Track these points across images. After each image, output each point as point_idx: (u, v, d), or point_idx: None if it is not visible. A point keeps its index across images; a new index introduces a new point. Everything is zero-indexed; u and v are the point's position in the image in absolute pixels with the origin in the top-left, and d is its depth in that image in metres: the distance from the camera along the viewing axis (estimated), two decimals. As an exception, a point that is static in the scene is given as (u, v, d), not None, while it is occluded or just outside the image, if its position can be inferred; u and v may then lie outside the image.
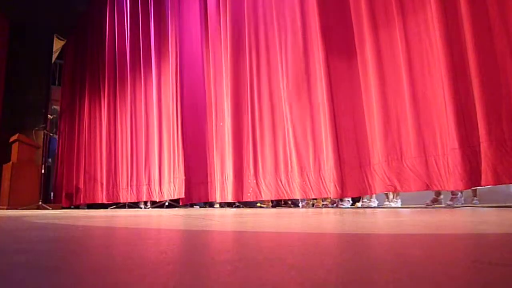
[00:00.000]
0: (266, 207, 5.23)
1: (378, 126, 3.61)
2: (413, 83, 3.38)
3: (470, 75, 2.85)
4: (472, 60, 2.83)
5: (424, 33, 3.36)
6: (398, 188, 3.45)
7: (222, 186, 5.23)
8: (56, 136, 9.29)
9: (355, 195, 4.11)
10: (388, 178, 3.49)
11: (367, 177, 3.75)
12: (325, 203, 4.65)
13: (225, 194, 5.16)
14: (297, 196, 4.32)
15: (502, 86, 2.73)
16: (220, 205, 5.72)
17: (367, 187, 3.74)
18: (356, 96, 3.91)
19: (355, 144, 3.87)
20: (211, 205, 5.80)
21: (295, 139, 4.32)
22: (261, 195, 4.60)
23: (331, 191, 3.93)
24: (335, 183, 3.87)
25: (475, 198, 3.99)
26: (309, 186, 4.14)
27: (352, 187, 3.81)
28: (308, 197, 4.38)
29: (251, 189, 4.64)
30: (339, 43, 4.07)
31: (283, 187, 4.39)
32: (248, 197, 4.70)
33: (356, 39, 3.94)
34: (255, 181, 4.64)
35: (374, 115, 3.68)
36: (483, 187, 3.14)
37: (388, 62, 3.62)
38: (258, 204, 5.44)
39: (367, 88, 3.79)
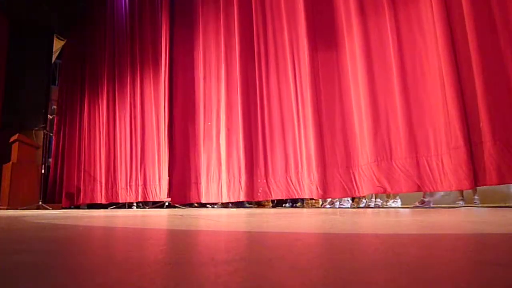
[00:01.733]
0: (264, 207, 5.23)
1: (367, 125, 3.58)
2: (404, 81, 3.34)
3: (473, 73, 2.82)
4: (474, 58, 2.79)
5: (417, 29, 3.32)
6: (388, 189, 3.42)
7: (208, 186, 5.28)
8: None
9: (340, 197, 4.08)
10: (378, 179, 3.46)
11: (354, 177, 3.73)
12: (325, 203, 4.65)
13: (213, 194, 5.20)
14: (306, 195, 4.31)
15: (506, 84, 2.70)
16: (225, 205, 5.72)
17: (355, 188, 3.71)
18: (345, 95, 3.90)
19: (343, 145, 3.85)
20: (224, 205, 5.77)
21: (305, 139, 4.28)
22: (271, 194, 4.58)
23: (313, 192, 3.94)
24: (317, 184, 3.88)
25: (475, 197, 3.99)
26: (315, 185, 4.11)
27: (338, 188, 3.80)
28: (314, 197, 4.38)
29: (261, 188, 4.63)
30: (326, 38, 4.08)
31: (294, 186, 4.35)
32: (258, 196, 4.69)
33: (345, 33, 3.92)
34: (265, 181, 4.62)
35: (362, 114, 3.65)
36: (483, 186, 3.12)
37: (377, 58, 3.58)
38: (247, 205, 5.47)
39: (356, 87, 3.77)
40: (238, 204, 5.41)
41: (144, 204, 6.85)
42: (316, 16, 4.21)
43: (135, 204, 6.81)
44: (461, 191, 3.94)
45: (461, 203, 3.96)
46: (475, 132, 2.83)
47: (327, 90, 4.02)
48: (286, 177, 4.40)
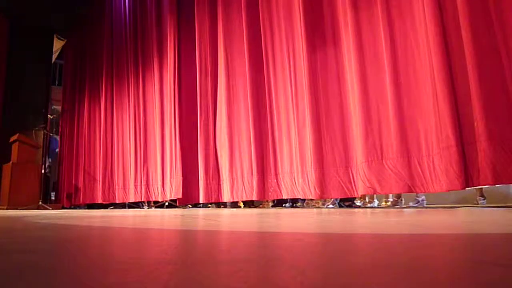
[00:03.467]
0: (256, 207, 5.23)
1: (360, 124, 3.58)
2: (396, 80, 3.33)
3: (467, 71, 2.79)
4: (468, 55, 2.76)
5: (409, 29, 3.32)
6: (378, 190, 3.41)
7: (217, 185, 5.28)
8: (56, 136, 9.30)
9: (338, 197, 4.09)
10: (368, 180, 3.45)
11: (353, 177, 3.72)
12: (328, 203, 4.65)
13: (221, 193, 5.19)
14: (312, 195, 4.30)
15: (502, 82, 2.66)
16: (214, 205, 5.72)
17: (353, 188, 3.71)
18: (343, 94, 3.91)
19: (342, 144, 3.86)
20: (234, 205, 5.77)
21: (313, 140, 4.28)
22: (281, 193, 4.58)
23: (312, 192, 3.94)
24: (314, 184, 3.88)
25: (481, 197, 3.96)
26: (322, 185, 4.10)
27: (336, 188, 3.80)
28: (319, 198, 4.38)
29: (272, 188, 4.64)
30: (322, 40, 4.10)
31: (302, 185, 4.35)
32: (270, 196, 4.70)
33: (342, 34, 3.94)
34: (275, 180, 4.63)
35: (356, 113, 3.65)
36: (486, 186, 3.10)
37: (370, 58, 3.59)
38: (240, 205, 5.47)
39: (352, 86, 3.77)
40: (233, 205, 5.44)
41: (149, 203, 6.86)
42: (314, 17, 4.21)
43: (146, 204, 6.79)
44: (480, 190, 3.90)
45: (482, 202, 3.93)
46: (468, 131, 2.80)
47: (325, 90, 4.03)
48: (293, 177, 4.41)
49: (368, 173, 3.43)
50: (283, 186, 4.52)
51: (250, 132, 4.94)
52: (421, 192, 3.41)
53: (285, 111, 4.62)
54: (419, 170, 3.12)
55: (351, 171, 3.74)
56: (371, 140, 3.46)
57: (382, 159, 3.38)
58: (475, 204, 3.91)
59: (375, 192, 3.49)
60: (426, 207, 3.70)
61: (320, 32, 4.18)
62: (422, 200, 3.92)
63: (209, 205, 6.00)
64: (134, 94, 7.01)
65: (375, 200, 4.51)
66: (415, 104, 3.22)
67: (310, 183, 4.03)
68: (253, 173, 4.80)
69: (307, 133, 4.11)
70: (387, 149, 3.37)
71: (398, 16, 3.41)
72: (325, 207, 4.57)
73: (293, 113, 4.47)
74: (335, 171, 3.83)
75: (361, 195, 4.01)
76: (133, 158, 6.72)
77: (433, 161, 3.03)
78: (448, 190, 2.96)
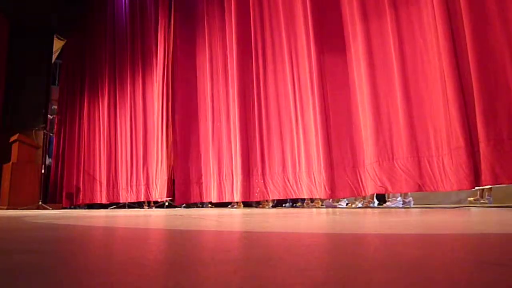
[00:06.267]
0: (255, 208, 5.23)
1: (370, 125, 3.59)
2: (406, 82, 3.35)
3: (471, 73, 2.82)
4: (470, 59, 2.79)
5: (418, 31, 3.35)
6: (389, 189, 3.42)
7: (220, 185, 5.25)
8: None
9: (347, 196, 4.09)
10: (379, 179, 3.47)
11: (360, 177, 3.74)
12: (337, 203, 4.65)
13: (223, 193, 5.17)
14: (304, 195, 4.30)
15: (500, 85, 2.69)
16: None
17: (361, 188, 3.72)
18: (351, 95, 3.92)
19: (349, 144, 3.86)
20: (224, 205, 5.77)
21: (305, 139, 4.26)
22: (268, 195, 4.57)
23: (321, 191, 3.94)
24: (324, 184, 3.89)
25: (489, 197, 3.93)
26: (314, 185, 4.11)
27: (344, 188, 3.80)
28: (313, 197, 4.38)
29: (258, 189, 4.63)
30: (332, 41, 4.10)
31: (291, 186, 4.35)
32: (256, 196, 4.69)
33: (350, 36, 3.94)
34: (262, 181, 4.62)
35: (366, 115, 3.66)
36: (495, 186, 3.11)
37: (379, 60, 3.60)
38: (234, 206, 5.47)
39: (360, 89, 3.78)
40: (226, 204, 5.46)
41: (149, 203, 6.86)
42: (322, 20, 4.21)
43: (146, 204, 6.79)
44: (488, 189, 3.89)
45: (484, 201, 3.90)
46: (474, 132, 2.83)
47: (333, 92, 4.04)
48: (284, 178, 4.41)
49: (379, 172, 3.46)
50: (272, 187, 4.52)
51: (237, 133, 4.95)
52: (431, 191, 3.43)
53: (275, 113, 4.63)
54: (429, 169, 3.15)
55: (362, 170, 3.74)
56: (381, 141, 3.48)
57: (393, 159, 3.40)
58: (482, 204, 3.90)
59: (386, 191, 3.52)
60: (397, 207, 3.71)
61: (327, 33, 4.16)
62: (409, 202, 3.94)
63: (209, 205, 6.00)
64: (135, 94, 7.02)
65: (375, 200, 4.51)
66: (425, 105, 3.25)
67: (319, 183, 4.02)
68: (237, 174, 4.83)
69: (312, 134, 4.10)
70: (397, 149, 3.40)
71: (407, 19, 3.42)
72: (324, 207, 4.57)
73: (290, 115, 4.46)
74: (344, 171, 3.84)
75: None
76: (134, 158, 6.73)
77: (443, 161, 3.06)
78: (458, 189, 3.01)
